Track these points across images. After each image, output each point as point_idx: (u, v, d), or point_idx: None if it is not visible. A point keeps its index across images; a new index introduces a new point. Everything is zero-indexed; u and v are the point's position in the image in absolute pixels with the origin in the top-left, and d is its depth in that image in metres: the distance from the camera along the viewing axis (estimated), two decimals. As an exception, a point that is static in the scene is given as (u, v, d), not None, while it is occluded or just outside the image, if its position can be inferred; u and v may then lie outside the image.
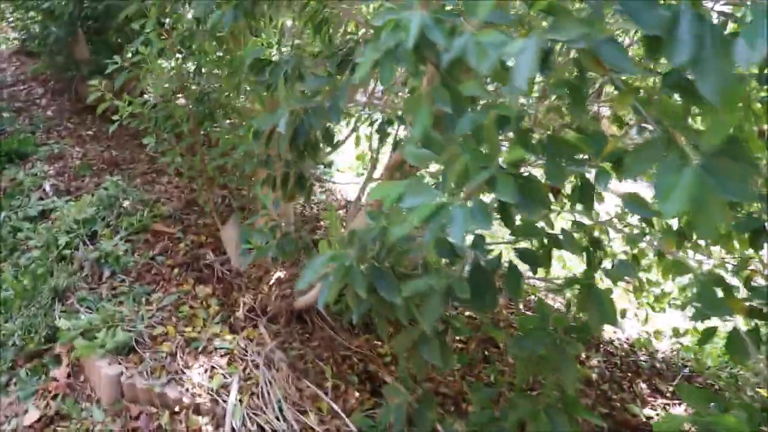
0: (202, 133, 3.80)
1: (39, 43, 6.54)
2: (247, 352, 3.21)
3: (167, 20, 3.48)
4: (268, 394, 3.00)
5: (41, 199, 5.07)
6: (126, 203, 4.60)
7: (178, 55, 3.58)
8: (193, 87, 3.65)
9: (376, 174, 3.48)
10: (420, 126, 1.47)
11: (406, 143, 1.64)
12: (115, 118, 3.68)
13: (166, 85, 3.53)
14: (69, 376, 3.27)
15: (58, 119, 6.99)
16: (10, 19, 8.36)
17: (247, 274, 3.79)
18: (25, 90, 8.02)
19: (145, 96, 3.75)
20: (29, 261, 4.15)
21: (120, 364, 3.15)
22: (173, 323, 3.40)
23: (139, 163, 5.74)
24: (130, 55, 3.58)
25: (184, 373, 3.08)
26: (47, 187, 5.25)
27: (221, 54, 3.46)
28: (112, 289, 3.68)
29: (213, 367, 3.11)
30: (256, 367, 3.11)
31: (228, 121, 3.67)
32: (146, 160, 5.84)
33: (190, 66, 3.61)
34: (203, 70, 3.60)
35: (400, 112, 3.14)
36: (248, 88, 3.19)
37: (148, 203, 4.62)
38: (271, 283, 3.57)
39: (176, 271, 3.87)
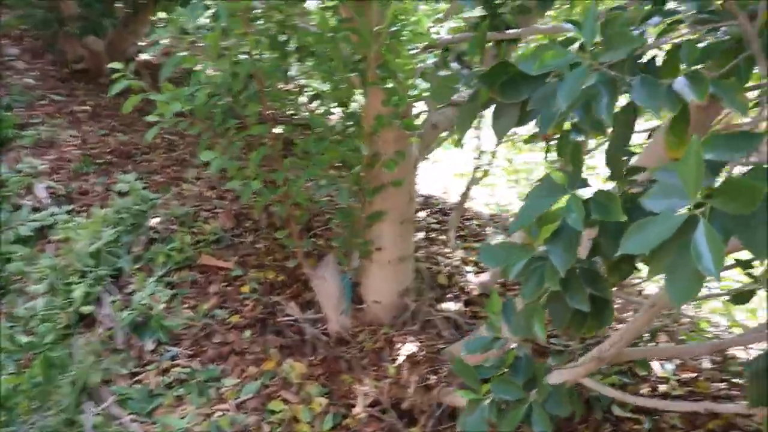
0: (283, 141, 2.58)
1: (14, -7, 5.12)
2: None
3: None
4: None
5: (36, 209, 3.81)
6: (155, 220, 3.38)
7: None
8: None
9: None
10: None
11: None
12: (151, 118, 2.45)
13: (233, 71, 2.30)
14: None
15: (42, 89, 5.60)
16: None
17: (357, 341, 2.63)
18: (-5, 50, 6.57)
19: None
20: (30, 314, 2.97)
21: None
22: (266, 435, 2.28)
23: (156, 151, 4.46)
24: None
25: None
26: (41, 191, 3.98)
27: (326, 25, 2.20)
28: (162, 373, 2.52)
29: None
30: None
31: (335, 123, 2.45)
32: (164, 146, 4.56)
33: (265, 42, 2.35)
34: (290, 46, 2.35)
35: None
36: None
37: (185, 220, 3.40)
38: (399, 362, 2.43)
39: (247, 334, 2.70)
